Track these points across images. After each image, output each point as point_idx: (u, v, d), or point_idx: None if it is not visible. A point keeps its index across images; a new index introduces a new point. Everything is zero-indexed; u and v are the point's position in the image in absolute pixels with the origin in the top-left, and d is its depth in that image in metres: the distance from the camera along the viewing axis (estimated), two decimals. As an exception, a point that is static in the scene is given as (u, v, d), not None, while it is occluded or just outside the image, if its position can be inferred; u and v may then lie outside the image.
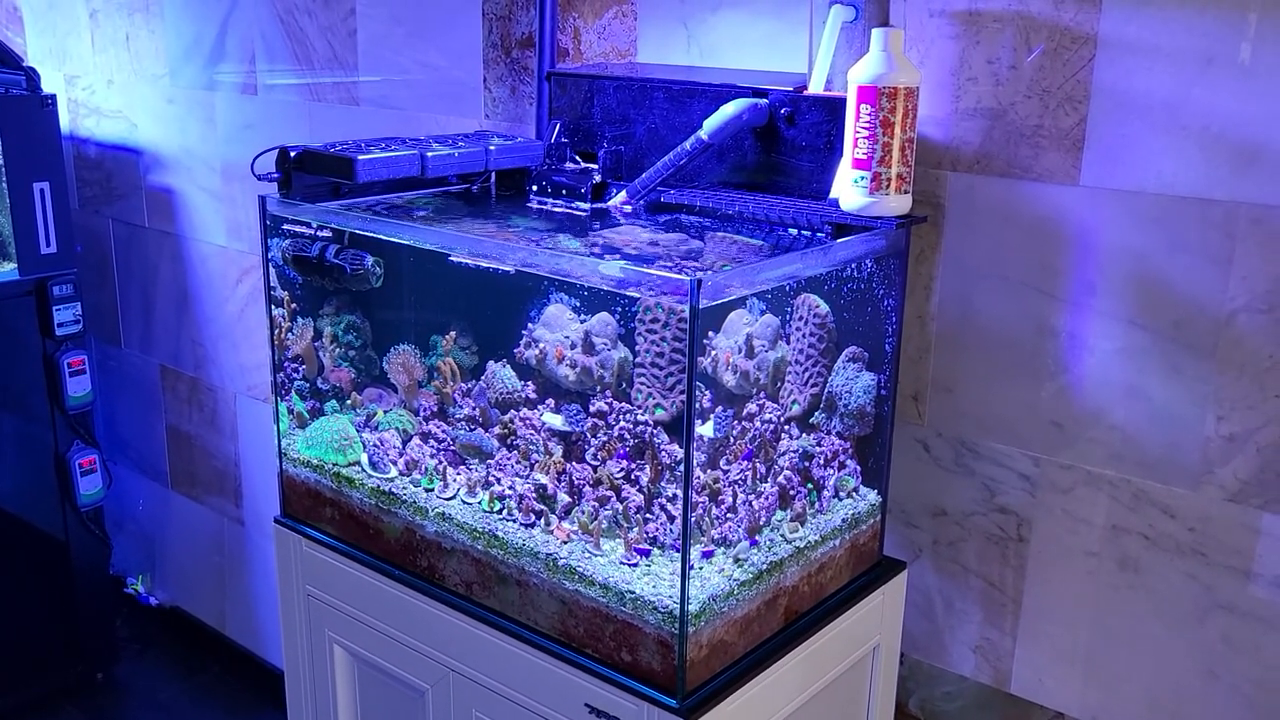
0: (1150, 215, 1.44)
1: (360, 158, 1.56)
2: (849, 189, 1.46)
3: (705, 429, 1.43)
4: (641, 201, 1.65)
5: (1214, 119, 1.37)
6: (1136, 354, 1.49)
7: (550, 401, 1.56)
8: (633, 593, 1.37)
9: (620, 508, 1.45)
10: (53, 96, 2.65)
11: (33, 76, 2.67)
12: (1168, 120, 1.40)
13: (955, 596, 1.72)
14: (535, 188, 1.72)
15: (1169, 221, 1.43)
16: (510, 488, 1.54)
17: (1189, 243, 1.42)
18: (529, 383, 1.59)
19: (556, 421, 1.54)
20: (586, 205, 1.67)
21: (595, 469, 1.48)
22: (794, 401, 1.56)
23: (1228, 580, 1.47)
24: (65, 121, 3.06)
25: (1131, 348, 1.49)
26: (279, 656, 1.88)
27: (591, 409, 1.51)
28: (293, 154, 1.62)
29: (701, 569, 1.39)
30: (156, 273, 2.99)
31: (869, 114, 1.42)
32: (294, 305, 1.76)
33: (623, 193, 1.66)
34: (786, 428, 1.55)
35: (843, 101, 1.47)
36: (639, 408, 1.47)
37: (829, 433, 1.58)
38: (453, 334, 1.68)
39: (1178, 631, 1.53)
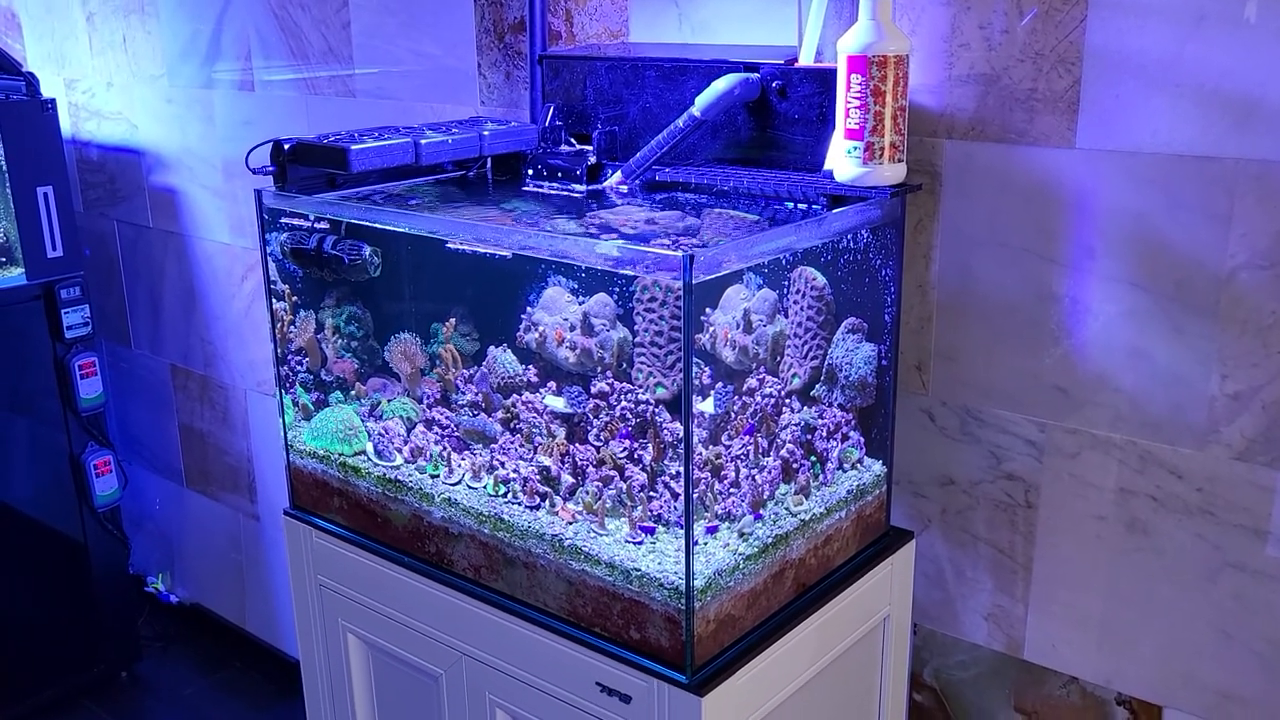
0: (1148, 175, 1.43)
1: (353, 148, 1.56)
2: (842, 160, 1.45)
3: (705, 405, 1.43)
4: (637, 181, 1.65)
5: (1209, 75, 1.36)
6: (1138, 315, 1.48)
7: (552, 384, 1.56)
8: (639, 571, 1.38)
9: (624, 487, 1.45)
10: (52, 101, 2.66)
11: (32, 82, 2.68)
12: (1162, 79, 1.39)
13: (966, 565, 1.72)
14: (531, 171, 1.71)
15: (1167, 181, 1.41)
16: (514, 471, 1.55)
17: (1188, 201, 1.41)
18: (530, 366, 1.59)
19: (558, 404, 1.54)
20: (582, 187, 1.66)
21: (598, 449, 1.48)
22: (794, 375, 1.56)
23: (1238, 539, 1.47)
24: (66, 125, 3.07)
25: (1133, 309, 1.48)
26: (298, 647, 1.89)
27: (593, 390, 1.51)
28: (286, 147, 1.62)
29: (706, 544, 1.39)
30: (163, 272, 3.00)
31: (859, 84, 1.41)
32: (295, 298, 1.77)
33: (618, 173, 1.66)
34: (787, 401, 1.54)
35: (833, 72, 1.46)
36: (640, 387, 1.47)
37: (831, 405, 1.58)
38: (453, 321, 1.69)
39: (1189, 592, 1.52)
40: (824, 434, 1.56)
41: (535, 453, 1.55)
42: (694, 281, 1.23)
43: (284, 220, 1.71)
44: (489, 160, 1.78)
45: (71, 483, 2.87)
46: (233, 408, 2.94)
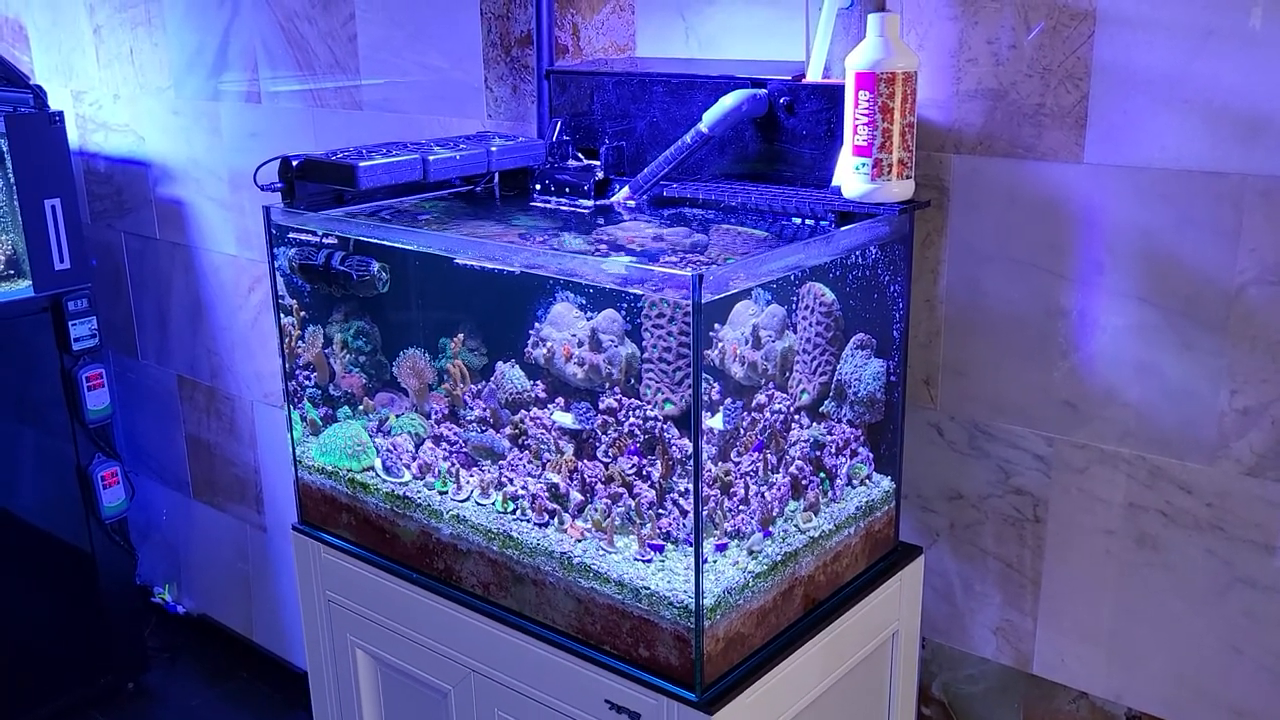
0: (1156, 191, 1.43)
1: (362, 164, 1.56)
2: (851, 176, 1.45)
3: (714, 421, 1.43)
4: (645, 196, 1.65)
5: (1217, 91, 1.36)
6: (1147, 330, 1.47)
7: (560, 400, 1.56)
8: (648, 589, 1.37)
9: (633, 504, 1.45)
10: (60, 114, 2.67)
11: (40, 95, 2.69)
12: (1170, 94, 1.39)
13: (974, 579, 1.71)
14: (539, 186, 1.72)
15: (1175, 196, 1.41)
16: (523, 488, 1.55)
17: (1196, 217, 1.41)
18: (538, 382, 1.60)
19: (567, 420, 1.54)
20: (590, 202, 1.67)
21: (606, 466, 1.48)
22: (803, 391, 1.56)
23: (1248, 554, 1.46)
24: (74, 137, 3.08)
25: (1142, 324, 1.48)
26: (306, 661, 1.89)
27: (601, 406, 1.51)
28: (295, 163, 1.62)
29: (715, 562, 1.39)
30: (170, 284, 3.01)
31: (868, 101, 1.41)
32: (303, 313, 1.77)
33: (625, 188, 1.66)
34: (796, 417, 1.54)
35: (841, 89, 1.46)
36: (648, 403, 1.47)
37: (839, 421, 1.58)
38: (461, 336, 1.69)
39: (1199, 608, 1.52)
40: (833, 450, 1.56)
41: (544, 469, 1.55)
42: (703, 300, 1.23)
43: (292, 236, 1.72)
44: (496, 175, 1.78)
45: (79, 494, 2.87)
46: (239, 419, 2.94)
